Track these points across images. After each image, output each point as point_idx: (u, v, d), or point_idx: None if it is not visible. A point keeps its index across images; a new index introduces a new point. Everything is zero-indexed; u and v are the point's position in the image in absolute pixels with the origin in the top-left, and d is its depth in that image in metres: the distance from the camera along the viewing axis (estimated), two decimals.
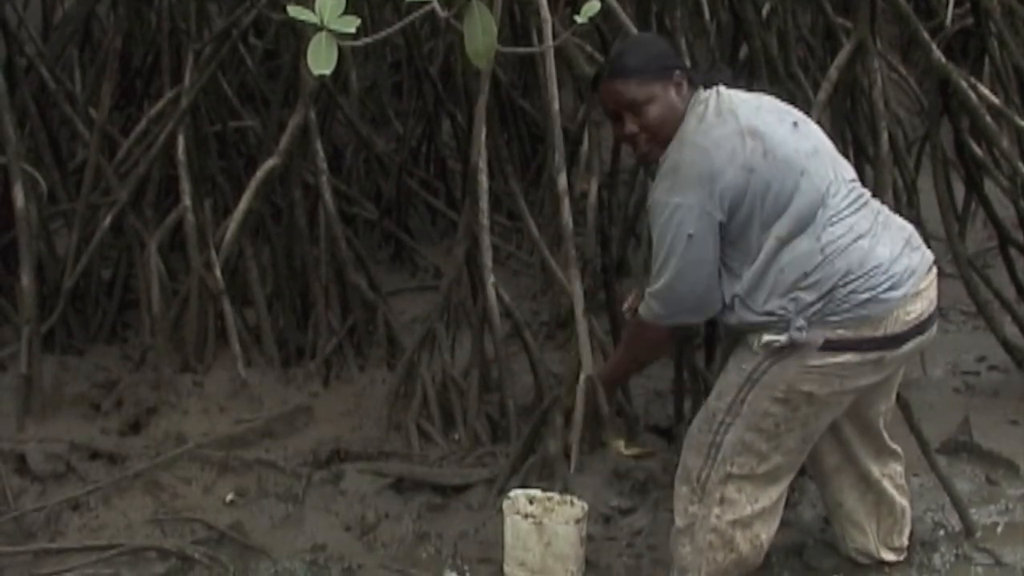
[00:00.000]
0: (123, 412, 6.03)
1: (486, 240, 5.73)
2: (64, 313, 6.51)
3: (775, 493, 4.69)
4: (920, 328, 4.54)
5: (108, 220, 6.60)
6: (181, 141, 6.64)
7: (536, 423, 5.53)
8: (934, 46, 6.12)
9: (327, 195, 6.42)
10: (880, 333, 4.45)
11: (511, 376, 5.89)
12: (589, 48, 6.61)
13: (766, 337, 4.44)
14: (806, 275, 4.39)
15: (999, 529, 5.33)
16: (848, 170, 4.66)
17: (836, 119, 6.54)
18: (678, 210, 4.40)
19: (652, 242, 4.55)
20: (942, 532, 5.25)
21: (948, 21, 7.13)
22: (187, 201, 6.55)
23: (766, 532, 4.72)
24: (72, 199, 7.00)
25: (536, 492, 5.03)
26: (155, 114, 6.93)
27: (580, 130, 6.79)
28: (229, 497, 5.48)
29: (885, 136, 6.15)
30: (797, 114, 4.70)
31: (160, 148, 6.67)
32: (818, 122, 6.14)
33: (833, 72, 6.12)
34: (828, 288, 4.38)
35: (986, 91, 6.30)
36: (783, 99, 6.94)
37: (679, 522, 4.71)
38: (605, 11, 6.10)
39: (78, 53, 8.03)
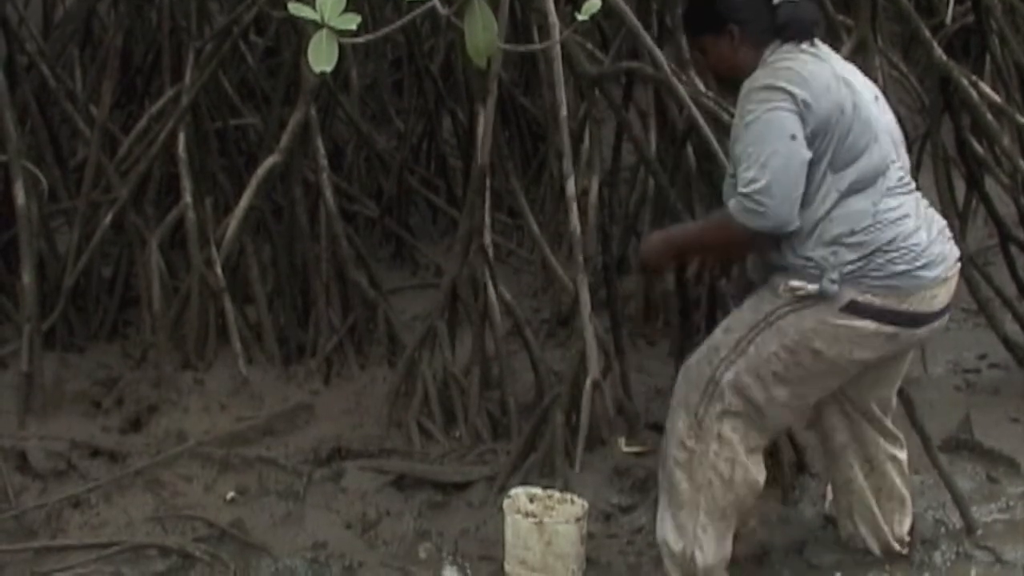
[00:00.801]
0: (124, 410, 6.03)
1: (487, 238, 5.73)
2: (65, 311, 6.51)
3: (764, 441, 4.77)
4: (939, 315, 4.63)
5: (109, 218, 6.60)
6: (182, 139, 6.63)
7: (537, 421, 5.53)
8: (935, 44, 6.13)
9: (328, 193, 6.42)
10: (903, 307, 4.52)
11: (512, 374, 5.89)
12: (590, 46, 6.60)
13: (794, 282, 4.50)
14: (853, 232, 4.47)
15: (1000, 527, 5.33)
16: (905, 159, 4.75)
17: None
18: (778, 112, 4.44)
19: (741, 154, 4.51)
20: (943, 530, 5.25)
21: (948, 19, 7.11)
22: (188, 199, 6.54)
23: (760, 476, 4.75)
24: (73, 197, 7.00)
25: (537, 490, 5.04)
26: (156, 112, 6.93)
27: (581, 128, 6.78)
28: (230, 495, 5.48)
29: None
30: (878, 91, 4.80)
31: (161, 146, 6.67)
32: None
33: None
34: (870, 251, 4.47)
35: (987, 89, 6.31)
36: None
37: (676, 454, 4.72)
38: (606, 9, 6.11)
39: (79, 51, 8.02)
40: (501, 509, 4.95)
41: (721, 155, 5.72)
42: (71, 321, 6.61)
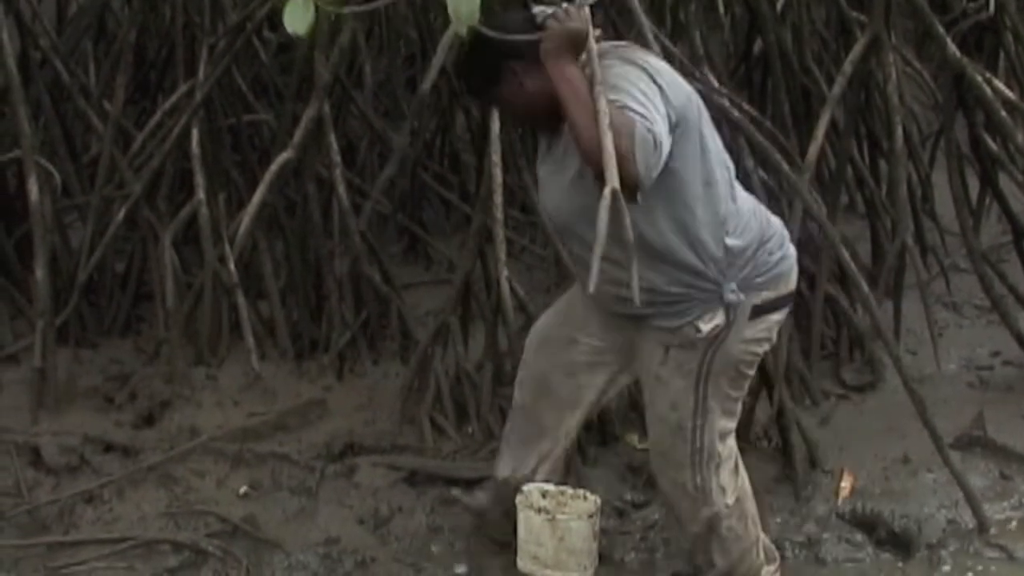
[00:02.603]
0: (137, 405, 6.04)
1: (500, 234, 5.73)
2: (78, 306, 6.52)
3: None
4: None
5: (122, 213, 6.61)
6: (195, 134, 6.63)
7: None
8: (949, 40, 6.11)
9: (341, 188, 6.42)
10: (791, 289, 4.50)
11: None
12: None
13: (704, 325, 4.30)
14: (736, 234, 4.32)
15: (1012, 524, 5.33)
16: None
17: (850, 113, 6.54)
18: (646, 69, 4.17)
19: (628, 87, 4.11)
20: (955, 528, 5.24)
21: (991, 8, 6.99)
22: (201, 194, 6.55)
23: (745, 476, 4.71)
24: (86, 192, 7.01)
25: (549, 486, 5.02)
26: (169, 107, 6.93)
27: None
28: (242, 490, 5.49)
29: (899, 131, 6.16)
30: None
31: (174, 141, 6.67)
32: (832, 116, 6.20)
33: (847, 66, 6.12)
34: (754, 250, 4.35)
35: (1001, 85, 6.29)
36: (797, 94, 7.02)
37: (696, 529, 4.63)
38: (619, 7, 6.11)
39: (92, 46, 8.03)
40: (513, 505, 4.94)
41: (735, 151, 5.73)
42: (84, 316, 6.62)
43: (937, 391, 6.10)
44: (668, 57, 5.80)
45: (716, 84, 6.03)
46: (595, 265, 3.71)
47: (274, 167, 6.28)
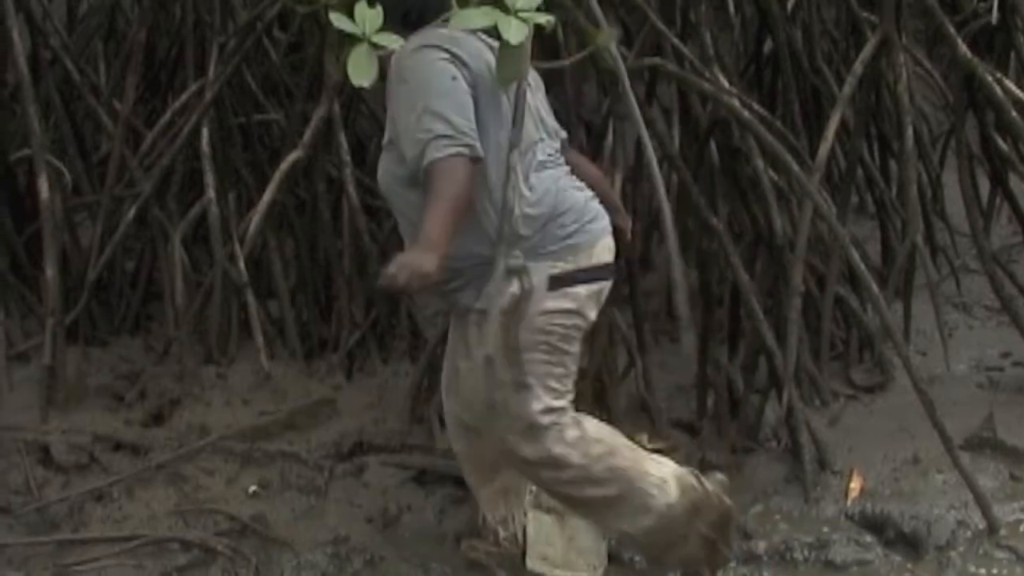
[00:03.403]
0: (146, 404, 6.05)
1: None
2: (88, 305, 6.53)
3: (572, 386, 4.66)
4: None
5: (132, 212, 6.61)
6: (205, 133, 6.64)
7: None
8: (959, 40, 6.10)
9: (351, 188, 6.42)
10: (596, 262, 4.53)
11: None
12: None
13: (499, 297, 4.33)
14: (527, 206, 4.42)
15: (1022, 526, 5.31)
16: (554, 140, 4.71)
17: (861, 114, 6.53)
18: (436, 64, 4.31)
19: (407, 108, 4.34)
20: (965, 529, 5.22)
21: (994, 18, 7.01)
22: (211, 193, 6.55)
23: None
24: (96, 191, 7.02)
25: None
26: (179, 106, 6.94)
27: (604, 124, 6.77)
28: (252, 489, 5.50)
29: (910, 131, 6.15)
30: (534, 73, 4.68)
31: (184, 140, 6.68)
32: (842, 117, 6.19)
33: (858, 66, 6.11)
34: (542, 223, 4.42)
35: (1012, 86, 6.27)
36: (807, 94, 7.01)
37: (571, 498, 4.64)
38: (629, 6, 6.11)
39: (103, 45, 8.04)
40: (523, 505, 4.94)
41: (745, 151, 5.74)
42: (94, 315, 6.63)
43: (947, 392, 6.09)
44: (679, 57, 5.82)
45: (726, 84, 6.02)
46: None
47: (284, 166, 6.29)
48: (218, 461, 5.64)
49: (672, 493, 4.65)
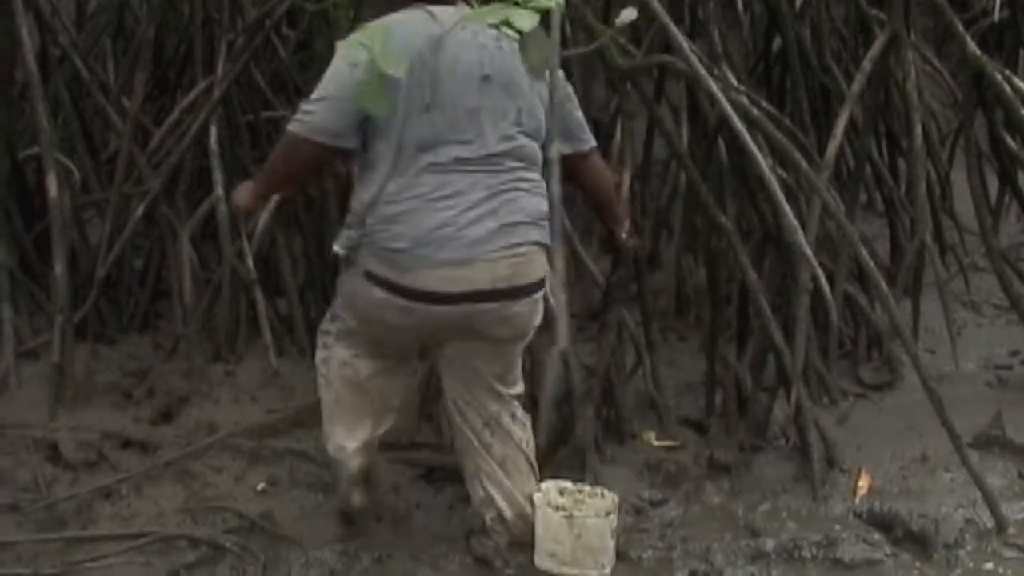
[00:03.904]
0: (155, 401, 6.05)
1: None
2: (97, 302, 6.53)
3: (378, 351, 4.91)
4: (472, 297, 4.62)
5: (141, 210, 6.62)
6: (214, 131, 6.65)
7: (567, 415, 5.52)
8: (968, 38, 6.10)
9: None
10: (405, 282, 4.59)
11: (542, 367, 5.88)
12: (622, 40, 6.59)
13: (335, 246, 4.76)
14: (362, 201, 4.63)
15: None
16: (488, 143, 4.66)
17: (869, 112, 6.52)
18: (349, 49, 4.45)
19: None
20: (973, 528, 5.22)
21: (996, 17, 7.02)
22: (219, 191, 6.56)
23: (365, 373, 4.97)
24: (105, 188, 7.02)
25: (567, 484, 5.04)
26: (188, 104, 6.95)
27: (612, 122, 6.77)
28: (260, 486, 5.50)
29: (919, 129, 6.14)
30: (503, 71, 4.70)
31: (193, 138, 6.69)
32: (851, 115, 6.18)
33: (867, 64, 6.11)
34: (376, 221, 4.60)
35: (1021, 84, 6.26)
36: (816, 92, 7.01)
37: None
38: (639, 3, 6.10)
39: (111, 43, 8.05)
40: (531, 503, 4.94)
41: (753, 149, 5.71)
42: (102, 312, 6.63)
43: (955, 390, 6.08)
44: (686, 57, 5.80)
45: (735, 82, 6.02)
46: None
47: None
48: (226, 458, 5.65)
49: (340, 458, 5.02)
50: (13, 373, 6.15)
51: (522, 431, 4.94)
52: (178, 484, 5.48)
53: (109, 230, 6.64)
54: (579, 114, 4.93)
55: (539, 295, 4.73)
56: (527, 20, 3.58)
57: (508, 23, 3.57)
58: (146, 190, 6.69)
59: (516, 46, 3.59)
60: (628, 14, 4.06)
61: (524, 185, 4.67)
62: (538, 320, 4.79)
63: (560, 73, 4.42)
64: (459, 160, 4.58)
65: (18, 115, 7.06)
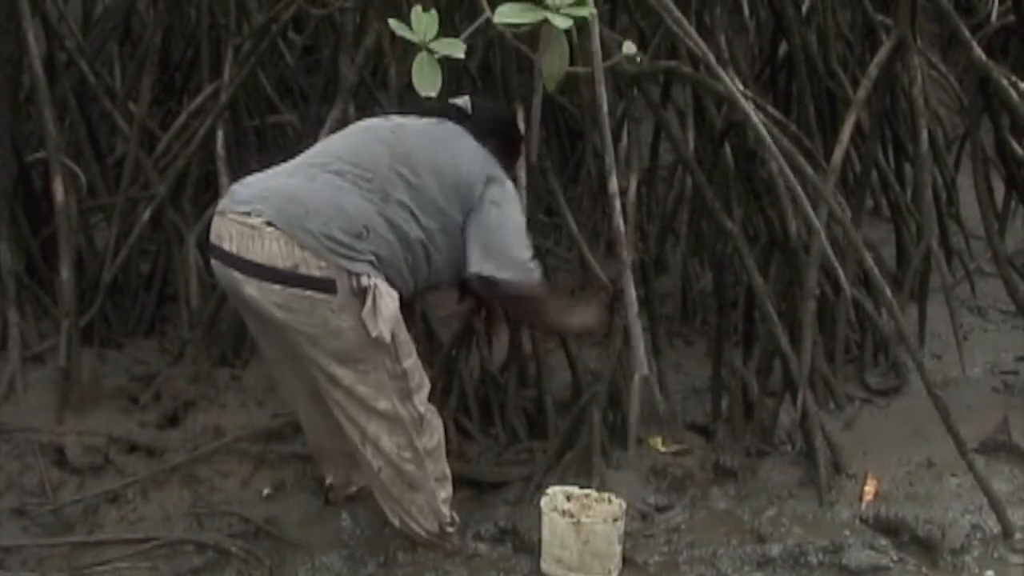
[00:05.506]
0: (161, 405, 6.05)
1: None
2: (103, 306, 6.54)
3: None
4: (229, 257, 4.73)
5: (147, 214, 6.63)
6: (220, 136, 6.65)
7: (574, 419, 5.53)
8: (974, 43, 6.10)
9: None
10: (212, 239, 4.81)
11: (549, 372, 5.88)
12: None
13: None
14: None
15: None
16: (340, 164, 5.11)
17: (875, 117, 6.52)
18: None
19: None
20: (980, 533, 5.22)
21: (994, 18, 7.03)
22: None
23: None
24: (111, 193, 7.03)
25: (574, 489, 5.04)
26: (194, 109, 6.96)
27: (619, 127, 6.78)
28: (266, 491, 5.50)
29: (925, 134, 6.14)
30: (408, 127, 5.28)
31: (199, 142, 6.69)
32: (857, 120, 6.18)
33: (873, 69, 6.11)
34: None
35: None
36: (822, 97, 7.01)
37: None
38: (644, 9, 6.11)
39: (118, 48, 8.06)
40: (538, 507, 4.95)
41: (760, 154, 5.72)
42: (109, 317, 6.64)
43: (962, 395, 6.09)
44: (693, 59, 5.81)
45: (741, 87, 6.01)
46: None
47: None
48: (232, 463, 5.65)
49: None
50: (19, 377, 6.15)
51: None
52: (184, 488, 5.48)
53: (115, 235, 6.64)
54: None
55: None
56: (561, 22, 3.60)
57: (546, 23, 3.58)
58: (152, 195, 6.69)
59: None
60: (629, 47, 4.09)
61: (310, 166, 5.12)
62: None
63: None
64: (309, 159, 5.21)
65: (25, 120, 7.06)
